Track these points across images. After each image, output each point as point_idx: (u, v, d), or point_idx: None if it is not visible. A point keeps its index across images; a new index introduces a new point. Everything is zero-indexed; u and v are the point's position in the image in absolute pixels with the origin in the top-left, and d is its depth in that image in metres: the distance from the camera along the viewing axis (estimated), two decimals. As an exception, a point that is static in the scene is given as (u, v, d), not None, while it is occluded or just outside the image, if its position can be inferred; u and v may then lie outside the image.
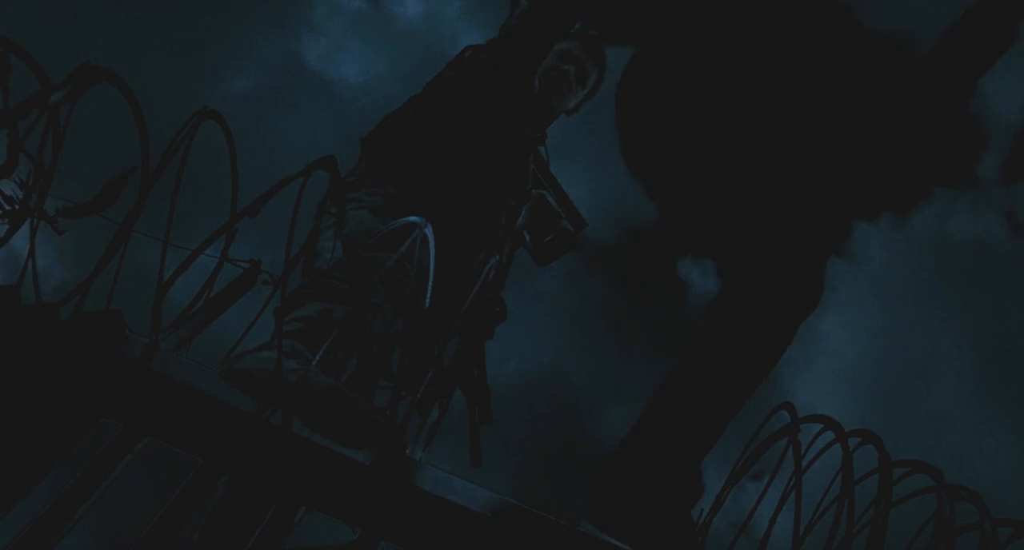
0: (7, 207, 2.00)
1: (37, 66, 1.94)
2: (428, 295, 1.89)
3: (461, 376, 1.97)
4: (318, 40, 12.22)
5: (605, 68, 2.81)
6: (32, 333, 1.71)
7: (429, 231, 1.83)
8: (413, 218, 1.85)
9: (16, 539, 1.50)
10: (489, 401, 2.00)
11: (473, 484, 1.60)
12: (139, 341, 1.77)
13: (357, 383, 2.13)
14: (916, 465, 1.85)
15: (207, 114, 2.08)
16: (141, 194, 1.95)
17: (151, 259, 2.01)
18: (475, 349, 2.02)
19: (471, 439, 1.91)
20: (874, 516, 1.69)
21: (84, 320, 1.75)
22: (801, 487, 1.72)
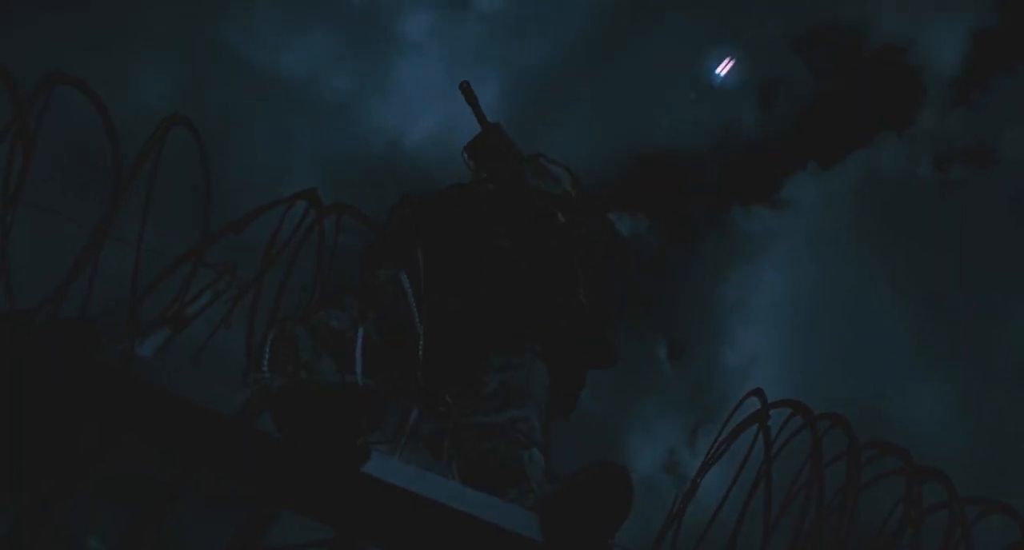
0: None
1: (6, 72, 1.95)
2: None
3: None
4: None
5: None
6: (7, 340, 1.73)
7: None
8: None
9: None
10: None
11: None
12: (114, 347, 1.79)
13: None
14: (884, 447, 1.87)
15: (177, 119, 2.10)
16: (114, 199, 1.97)
17: (126, 261, 2.03)
18: None
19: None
20: (843, 500, 1.71)
21: (59, 327, 1.77)
22: (771, 475, 1.74)
